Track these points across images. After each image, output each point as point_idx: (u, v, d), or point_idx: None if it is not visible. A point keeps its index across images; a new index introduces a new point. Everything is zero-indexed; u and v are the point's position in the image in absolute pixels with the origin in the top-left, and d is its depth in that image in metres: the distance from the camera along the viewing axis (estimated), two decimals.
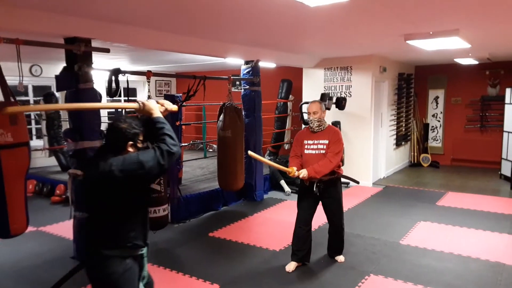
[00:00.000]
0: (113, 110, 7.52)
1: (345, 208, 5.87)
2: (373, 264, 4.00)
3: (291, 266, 3.92)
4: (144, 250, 2.25)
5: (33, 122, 8.38)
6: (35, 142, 8.25)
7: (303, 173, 3.63)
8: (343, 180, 7.45)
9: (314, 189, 3.77)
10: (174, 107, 2.35)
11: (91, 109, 3.80)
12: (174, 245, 4.61)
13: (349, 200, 6.44)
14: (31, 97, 8.28)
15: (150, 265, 4.05)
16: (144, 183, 2.16)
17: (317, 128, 3.81)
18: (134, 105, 2.23)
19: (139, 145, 2.16)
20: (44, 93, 7.36)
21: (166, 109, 2.30)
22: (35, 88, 8.30)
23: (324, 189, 3.82)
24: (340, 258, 4.11)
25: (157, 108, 2.23)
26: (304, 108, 7.39)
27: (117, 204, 2.10)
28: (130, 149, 2.12)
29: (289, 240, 4.53)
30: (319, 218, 5.42)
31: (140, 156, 2.04)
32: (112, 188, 2.04)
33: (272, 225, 5.27)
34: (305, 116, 7.25)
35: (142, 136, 2.18)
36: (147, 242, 2.28)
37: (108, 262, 2.09)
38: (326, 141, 3.75)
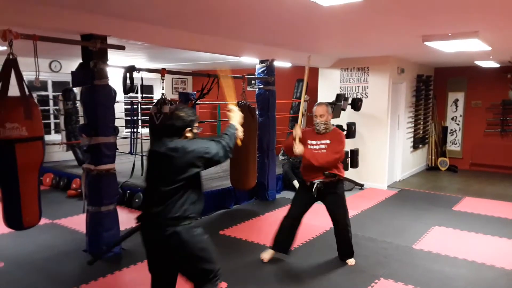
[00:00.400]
0: (129, 106, 7.60)
1: (358, 211, 5.85)
2: (383, 268, 3.94)
3: (266, 254, 4.09)
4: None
5: (51, 116, 8.55)
6: (53, 137, 8.43)
7: (298, 147, 3.74)
8: (357, 182, 7.43)
9: (313, 189, 3.77)
10: (240, 135, 2.70)
11: None
12: None
13: (363, 202, 6.37)
14: (50, 92, 8.45)
15: None
16: (205, 167, 2.46)
17: (323, 130, 3.87)
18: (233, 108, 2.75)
19: (194, 130, 2.51)
20: (63, 89, 7.50)
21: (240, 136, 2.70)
22: (54, 84, 8.46)
23: (324, 192, 3.84)
24: (351, 261, 4.07)
25: (238, 118, 2.72)
26: None
27: (185, 182, 2.39)
28: (188, 134, 2.47)
29: (300, 241, 4.53)
30: (329, 222, 5.39)
31: (207, 143, 2.45)
32: (182, 167, 2.35)
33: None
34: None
35: (197, 122, 2.54)
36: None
37: (192, 231, 2.41)
38: (328, 141, 3.84)
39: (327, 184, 3.82)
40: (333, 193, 3.91)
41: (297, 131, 3.81)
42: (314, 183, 3.79)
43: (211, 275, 2.49)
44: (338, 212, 3.99)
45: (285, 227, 4.05)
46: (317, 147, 3.85)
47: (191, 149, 2.37)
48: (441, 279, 3.70)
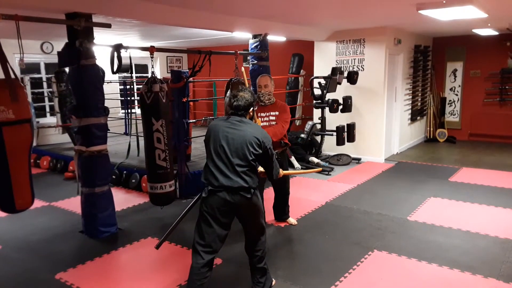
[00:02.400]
0: (123, 86, 7.53)
1: (354, 184, 5.88)
2: (378, 240, 3.97)
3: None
4: None
5: (46, 99, 8.48)
6: (49, 119, 8.40)
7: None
8: (354, 156, 7.42)
9: None
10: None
11: None
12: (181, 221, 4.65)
13: (359, 176, 6.37)
14: (43, 75, 8.36)
15: (156, 240, 4.12)
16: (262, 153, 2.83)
17: (267, 101, 4.03)
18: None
19: (255, 108, 3.01)
20: (55, 71, 7.41)
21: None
22: (47, 65, 8.36)
23: (279, 161, 3.97)
24: (292, 221, 4.44)
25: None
26: (315, 83, 7.25)
27: (254, 158, 2.79)
28: (251, 113, 2.99)
29: (295, 216, 4.56)
30: (329, 193, 5.41)
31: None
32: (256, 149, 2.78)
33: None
34: (316, 91, 7.16)
35: (255, 102, 3.02)
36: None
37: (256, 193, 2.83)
38: (277, 113, 4.01)
39: (281, 154, 4.04)
40: (284, 164, 4.13)
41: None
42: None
43: None
44: (286, 181, 4.28)
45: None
46: (266, 119, 4.00)
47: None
48: (434, 250, 3.72)
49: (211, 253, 2.81)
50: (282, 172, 3.29)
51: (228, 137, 2.77)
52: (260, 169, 3.08)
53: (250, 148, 2.75)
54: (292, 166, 6.92)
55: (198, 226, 2.85)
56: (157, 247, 3.28)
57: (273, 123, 3.98)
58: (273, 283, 3.16)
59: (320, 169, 3.82)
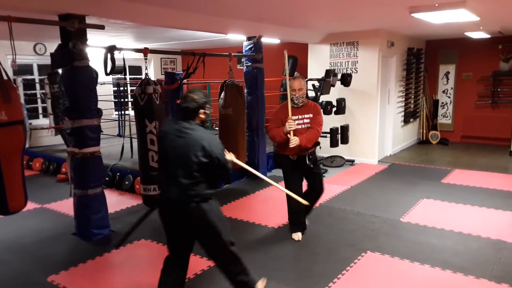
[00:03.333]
0: (116, 88, 7.51)
1: (347, 186, 5.91)
2: (371, 241, 3.98)
3: (298, 235, 4.10)
4: None
5: (39, 101, 8.43)
6: (42, 121, 8.35)
7: (295, 140, 3.73)
8: (348, 158, 7.45)
9: (307, 162, 3.94)
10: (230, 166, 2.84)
11: None
12: None
13: (353, 178, 6.39)
14: (36, 76, 8.31)
15: (149, 242, 4.10)
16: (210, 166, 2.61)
17: (301, 104, 3.95)
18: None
19: (207, 111, 2.71)
20: (48, 72, 7.36)
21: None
22: (40, 67, 8.31)
23: (314, 161, 4.03)
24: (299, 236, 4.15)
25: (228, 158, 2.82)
26: (309, 85, 7.27)
27: (203, 166, 2.58)
28: (202, 116, 2.70)
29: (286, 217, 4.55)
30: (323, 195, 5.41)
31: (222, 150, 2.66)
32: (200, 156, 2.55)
33: (272, 203, 5.27)
34: (310, 93, 7.18)
35: (209, 104, 2.73)
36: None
37: (208, 202, 2.62)
38: (311, 115, 3.94)
39: (314, 153, 4.04)
40: (317, 164, 4.12)
41: (291, 126, 3.76)
42: (304, 156, 3.92)
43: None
44: (318, 178, 4.14)
45: (296, 210, 4.07)
46: (300, 121, 3.91)
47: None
48: (427, 251, 3.74)
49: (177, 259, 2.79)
50: (233, 161, 3.01)
51: (172, 145, 2.60)
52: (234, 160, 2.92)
53: (194, 158, 2.53)
54: None
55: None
56: (117, 246, 3.17)
57: (308, 125, 3.90)
58: (261, 283, 2.97)
59: (307, 203, 3.70)
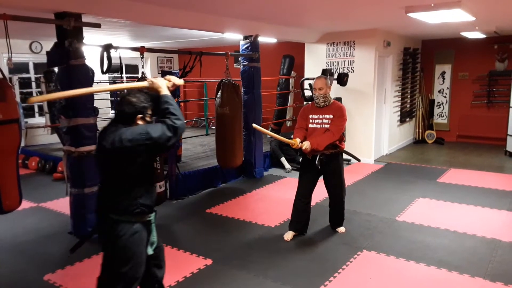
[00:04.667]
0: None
1: None
2: (366, 240, 4.00)
3: (289, 235, 4.09)
4: (152, 216, 2.37)
5: None
6: (38, 120, 8.32)
7: (306, 144, 3.73)
8: (344, 157, 7.46)
9: (316, 162, 3.87)
10: (180, 82, 2.46)
11: (105, 91, 3.72)
12: (171, 221, 4.65)
13: (349, 177, 6.40)
14: (32, 74, 8.28)
15: None
16: (152, 152, 2.25)
17: (322, 103, 3.91)
18: (143, 83, 2.34)
19: (148, 118, 2.29)
20: (44, 70, 7.34)
21: (173, 84, 2.40)
22: (36, 65, 8.28)
23: (326, 163, 3.93)
24: (341, 229, 4.23)
25: (165, 85, 2.32)
26: (306, 84, 7.29)
27: (126, 172, 2.22)
28: (139, 122, 2.25)
29: (285, 217, 4.58)
30: (318, 194, 5.43)
31: (147, 127, 2.17)
32: (121, 156, 2.16)
33: (269, 202, 5.28)
34: (307, 93, 7.19)
35: (150, 110, 2.30)
36: (154, 209, 2.40)
37: (118, 226, 2.21)
38: (331, 116, 3.85)
39: (329, 156, 3.92)
40: (333, 165, 3.99)
41: (296, 145, 3.76)
42: (317, 155, 3.88)
43: None
44: (336, 187, 4.08)
45: (300, 208, 4.08)
46: (319, 121, 3.88)
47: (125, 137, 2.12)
48: (422, 249, 3.76)
49: None
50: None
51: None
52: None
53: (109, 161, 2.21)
54: (283, 167, 6.94)
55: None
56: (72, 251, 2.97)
57: (326, 126, 3.83)
58: None
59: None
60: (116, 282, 2.24)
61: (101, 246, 2.32)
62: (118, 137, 2.12)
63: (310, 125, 3.92)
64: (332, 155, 3.93)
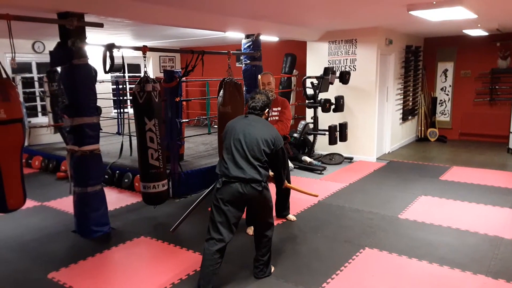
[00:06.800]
0: (115, 86, 7.51)
1: (346, 184, 5.93)
2: (369, 238, 4.01)
3: (250, 230, 4.20)
4: None
5: (37, 99, 8.43)
6: (41, 119, 8.36)
7: None
8: (346, 155, 7.47)
9: None
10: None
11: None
12: (174, 220, 4.63)
13: (351, 175, 6.42)
14: (35, 74, 8.31)
15: (149, 239, 4.12)
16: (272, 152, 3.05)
17: (271, 98, 4.14)
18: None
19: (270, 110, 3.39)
20: (47, 70, 7.37)
21: None
22: (39, 65, 8.31)
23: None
24: (291, 217, 4.51)
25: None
26: (308, 82, 7.29)
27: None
28: (266, 114, 3.30)
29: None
30: (320, 193, 5.44)
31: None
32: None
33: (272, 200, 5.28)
34: (309, 91, 7.20)
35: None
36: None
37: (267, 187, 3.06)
38: (279, 108, 4.27)
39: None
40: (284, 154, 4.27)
41: None
42: None
43: None
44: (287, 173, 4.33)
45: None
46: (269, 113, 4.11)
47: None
48: (424, 247, 3.77)
49: (222, 241, 2.94)
50: (286, 183, 3.56)
51: (245, 132, 3.00)
52: (270, 173, 3.27)
53: (263, 146, 2.96)
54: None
55: (211, 215, 2.98)
56: (173, 230, 3.81)
57: (276, 118, 4.23)
58: (272, 270, 3.36)
59: (317, 195, 3.99)
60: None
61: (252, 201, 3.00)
62: (275, 136, 3.10)
63: None
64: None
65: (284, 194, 4.46)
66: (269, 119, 4.07)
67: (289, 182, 4.16)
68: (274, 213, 4.50)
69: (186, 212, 4.12)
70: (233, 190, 2.91)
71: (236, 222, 3.01)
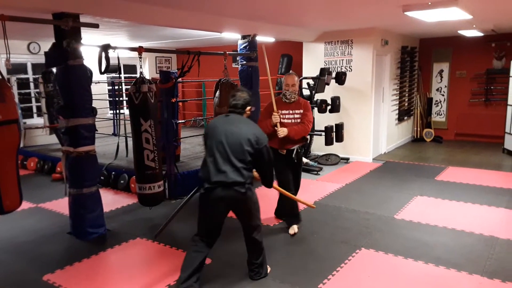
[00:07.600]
0: (111, 86, 7.49)
1: (342, 184, 5.94)
2: (365, 238, 4.02)
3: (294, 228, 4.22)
4: None
5: (33, 100, 8.40)
6: (36, 120, 8.32)
7: (284, 131, 3.90)
8: (343, 156, 7.49)
9: (293, 155, 4.06)
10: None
11: None
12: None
13: (347, 176, 6.43)
14: (30, 75, 8.27)
15: (145, 240, 4.11)
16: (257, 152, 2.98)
17: (293, 99, 4.10)
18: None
19: (252, 108, 3.17)
20: (42, 71, 7.34)
21: None
22: (34, 66, 8.27)
23: (299, 156, 4.18)
24: (292, 230, 4.21)
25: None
26: (304, 83, 7.30)
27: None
28: (248, 112, 3.16)
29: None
30: (317, 193, 5.45)
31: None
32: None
33: (268, 201, 5.25)
34: (305, 92, 7.20)
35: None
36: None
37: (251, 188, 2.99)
38: (301, 111, 4.10)
39: (299, 148, 4.16)
40: (301, 160, 4.26)
41: (277, 118, 3.95)
42: (293, 150, 4.05)
43: None
44: (299, 177, 4.31)
45: (282, 198, 4.36)
46: (290, 116, 4.06)
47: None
48: (420, 247, 3.78)
49: (204, 242, 3.02)
50: (275, 185, 3.49)
51: (227, 133, 2.92)
52: (256, 174, 3.18)
53: (246, 146, 2.88)
54: None
55: (198, 219, 3.03)
56: (156, 236, 3.69)
57: (298, 120, 4.06)
58: (269, 270, 3.34)
59: (314, 207, 4.07)
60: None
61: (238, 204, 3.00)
62: (258, 134, 3.05)
63: (282, 120, 4.05)
64: (302, 148, 4.19)
65: (284, 197, 4.27)
66: (288, 121, 4.04)
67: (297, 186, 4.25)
68: (273, 213, 4.53)
69: (169, 218, 3.96)
70: (215, 196, 2.88)
71: (218, 227, 3.03)
